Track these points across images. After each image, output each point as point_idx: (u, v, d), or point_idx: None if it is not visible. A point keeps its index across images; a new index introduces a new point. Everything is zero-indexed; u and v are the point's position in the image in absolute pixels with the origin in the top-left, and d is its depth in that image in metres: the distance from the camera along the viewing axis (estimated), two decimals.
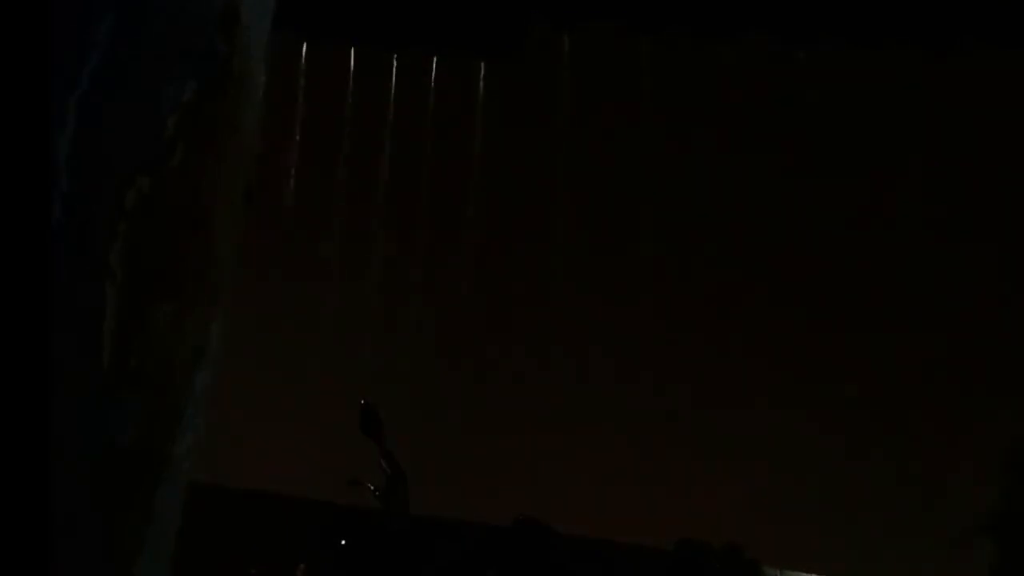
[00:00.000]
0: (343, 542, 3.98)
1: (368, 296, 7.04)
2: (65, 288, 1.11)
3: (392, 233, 7.07)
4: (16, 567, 1.03)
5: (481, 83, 6.96)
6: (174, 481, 1.28)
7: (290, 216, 7.00)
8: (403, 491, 3.96)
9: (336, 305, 7.05)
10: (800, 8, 6.26)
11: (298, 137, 7.12)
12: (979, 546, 5.77)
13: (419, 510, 4.24)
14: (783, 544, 5.87)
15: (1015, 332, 6.02)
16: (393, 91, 7.09)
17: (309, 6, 6.45)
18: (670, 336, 6.53)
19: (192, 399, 1.30)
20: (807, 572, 5.97)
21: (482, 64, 6.96)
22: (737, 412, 6.36)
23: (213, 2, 1.23)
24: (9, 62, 1.06)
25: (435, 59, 7.02)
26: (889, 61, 6.31)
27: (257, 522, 6.09)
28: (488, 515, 5.45)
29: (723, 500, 6.15)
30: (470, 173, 6.96)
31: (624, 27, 6.67)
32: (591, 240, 6.84)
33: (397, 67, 7.10)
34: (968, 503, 5.84)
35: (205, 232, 1.28)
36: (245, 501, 6.29)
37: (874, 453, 6.18)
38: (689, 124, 6.69)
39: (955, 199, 6.27)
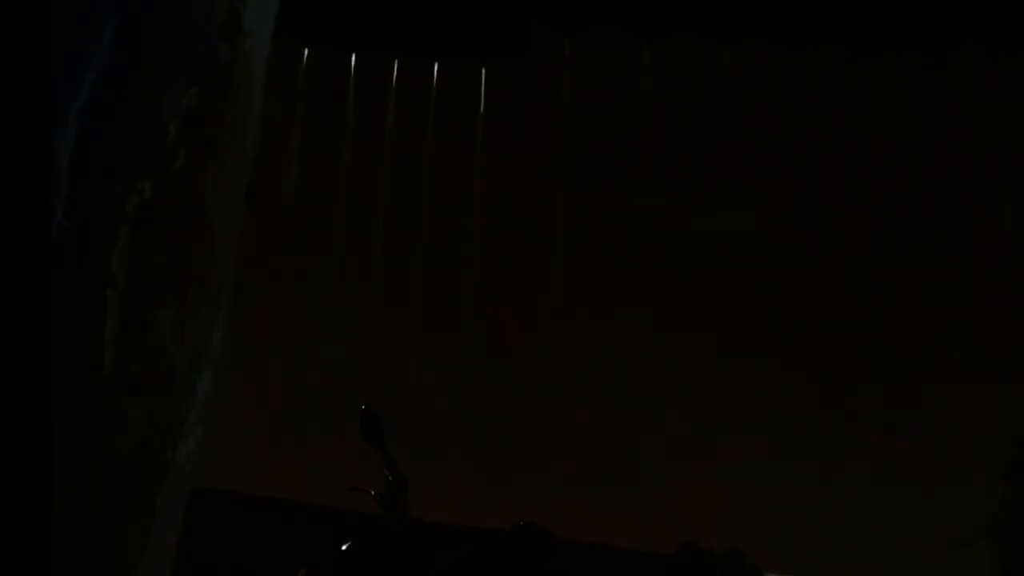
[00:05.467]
0: (344, 547, 3.97)
1: (369, 301, 7.04)
2: (66, 293, 1.11)
3: (393, 237, 7.07)
4: (19, 570, 1.03)
5: (482, 88, 6.96)
6: (175, 485, 1.28)
7: (291, 221, 7.00)
8: (404, 497, 3.95)
9: (336, 310, 7.05)
10: (801, 14, 6.27)
11: (299, 142, 7.13)
12: (980, 547, 5.77)
13: (420, 515, 4.24)
14: (785, 549, 5.87)
15: (1015, 332, 6.02)
16: (394, 96, 7.09)
17: (310, 12, 6.45)
18: (670, 340, 6.53)
19: (193, 404, 1.30)
20: None
21: (483, 69, 6.96)
22: (739, 415, 6.36)
23: (215, 8, 1.24)
24: (11, 68, 1.06)
25: (436, 64, 7.03)
26: (889, 67, 6.32)
27: (257, 527, 6.09)
28: (489, 520, 5.45)
29: (725, 504, 6.15)
30: (471, 177, 6.96)
31: (625, 32, 6.68)
32: (592, 244, 6.84)
33: (398, 72, 7.10)
34: (968, 504, 5.84)
35: (206, 237, 1.28)
36: (246, 506, 6.28)
37: (875, 457, 6.17)
38: (690, 128, 6.70)
39: (955, 201, 6.27)
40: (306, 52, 7.15)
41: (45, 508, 1.09)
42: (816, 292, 6.40)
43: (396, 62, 7.11)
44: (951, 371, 6.08)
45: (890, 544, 5.92)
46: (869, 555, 5.95)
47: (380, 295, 7.05)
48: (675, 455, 6.38)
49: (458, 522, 5.69)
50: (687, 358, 6.52)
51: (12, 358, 1.07)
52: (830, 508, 6.11)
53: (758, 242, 6.52)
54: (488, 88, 6.97)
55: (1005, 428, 5.91)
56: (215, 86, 1.26)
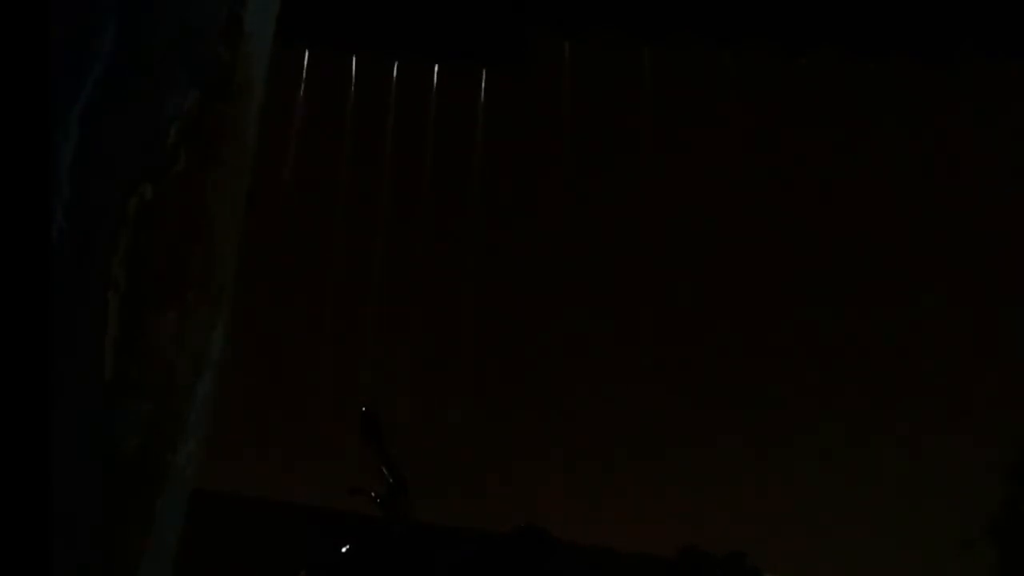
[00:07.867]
0: (344, 549, 3.97)
1: (369, 303, 7.04)
2: (67, 296, 1.11)
3: (393, 240, 7.07)
4: (19, 572, 1.03)
5: (482, 89, 6.96)
6: (176, 488, 1.28)
7: (291, 223, 7.00)
8: (404, 498, 3.95)
9: (337, 312, 7.05)
10: (801, 15, 6.27)
11: (299, 142, 7.13)
12: (980, 547, 5.77)
13: (420, 517, 4.24)
14: (785, 551, 5.87)
15: (1014, 332, 6.02)
16: (394, 97, 7.09)
17: (311, 13, 6.45)
18: (670, 341, 6.53)
19: (194, 405, 1.30)
20: None
21: (483, 70, 6.96)
22: (740, 418, 6.36)
23: (216, 11, 1.24)
24: (11, 69, 1.06)
25: (436, 66, 7.03)
26: (889, 68, 6.32)
27: (258, 529, 6.08)
28: (489, 522, 5.45)
29: (725, 506, 6.15)
30: (471, 179, 6.96)
31: (625, 33, 6.68)
32: (592, 245, 6.84)
33: (398, 74, 7.10)
34: (969, 505, 5.83)
35: (207, 240, 1.28)
36: (246, 507, 6.28)
37: (877, 458, 6.17)
38: (690, 129, 6.70)
39: (955, 201, 6.27)
40: (307, 53, 7.15)
41: (45, 510, 1.09)
42: (815, 291, 6.40)
43: (396, 64, 7.11)
44: (951, 371, 6.08)
45: (889, 544, 5.92)
46: (869, 555, 5.95)
47: (379, 295, 7.05)
48: (673, 455, 6.38)
49: (459, 524, 5.69)
50: (688, 361, 6.52)
51: (12, 360, 1.07)
52: (829, 508, 6.11)
53: (759, 240, 6.52)
54: (488, 89, 6.97)
55: (1005, 428, 5.90)
56: (216, 88, 1.26)
